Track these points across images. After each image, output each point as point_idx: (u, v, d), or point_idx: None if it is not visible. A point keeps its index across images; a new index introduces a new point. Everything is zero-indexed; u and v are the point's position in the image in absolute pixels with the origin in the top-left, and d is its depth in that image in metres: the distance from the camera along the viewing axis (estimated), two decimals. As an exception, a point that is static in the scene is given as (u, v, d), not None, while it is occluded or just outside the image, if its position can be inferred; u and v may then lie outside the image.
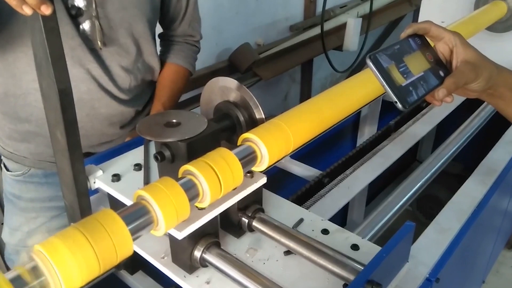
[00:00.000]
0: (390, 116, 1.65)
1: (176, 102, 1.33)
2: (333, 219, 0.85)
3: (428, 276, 0.87)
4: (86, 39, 1.06)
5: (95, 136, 1.18)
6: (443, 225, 1.03)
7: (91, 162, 0.86)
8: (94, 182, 0.82)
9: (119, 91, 1.16)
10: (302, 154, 1.46)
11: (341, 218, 1.84)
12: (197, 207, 0.64)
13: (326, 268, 0.67)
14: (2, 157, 1.23)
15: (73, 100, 0.69)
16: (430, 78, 0.73)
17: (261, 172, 0.76)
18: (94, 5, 1.03)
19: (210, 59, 2.50)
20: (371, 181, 1.26)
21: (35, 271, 0.45)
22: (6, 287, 0.44)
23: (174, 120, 0.75)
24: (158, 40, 1.35)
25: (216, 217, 0.69)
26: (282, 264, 0.72)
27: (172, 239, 0.69)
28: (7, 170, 1.22)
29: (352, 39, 2.98)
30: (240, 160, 0.65)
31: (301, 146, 0.84)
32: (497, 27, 1.74)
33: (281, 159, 1.14)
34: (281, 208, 0.84)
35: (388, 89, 0.67)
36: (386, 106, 1.84)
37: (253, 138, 0.70)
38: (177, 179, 0.59)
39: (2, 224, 1.43)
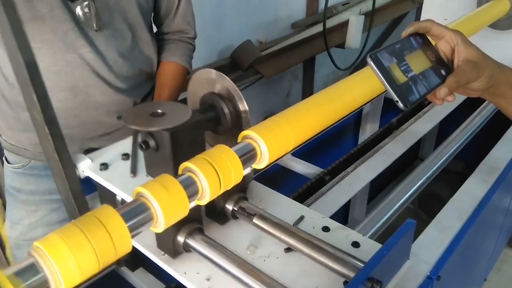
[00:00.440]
0: (392, 113, 1.65)
1: (176, 100, 1.33)
2: (334, 217, 0.85)
3: (429, 274, 0.87)
4: (79, 23, 1.06)
5: (92, 125, 1.17)
6: (444, 223, 1.03)
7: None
8: (83, 171, 0.85)
9: (116, 78, 1.16)
10: (304, 151, 1.46)
11: (342, 216, 1.84)
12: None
13: (326, 265, 0.67)
14: (4, 151, 1.24)
15: (40, 73, 0.71)
16: (432, 77, 0.72)
17: (261, 169, 0.76)
18: None
19: (211, 57, 2.50)
20: (372, 178, 1.26)
21: (34, 267, 0.46)
22: (4, 284, 0.44)
23: (159, 110, 0.77)
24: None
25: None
26: (282, 261, 0.72)
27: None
28: (8, 162, 1.23)
29: (354, 36, 2.97)
30: (240, 157, 0.65)
31: (302, 143, 0.84)
32: (500, 25, 1.73)
33: (282, 156, 1.14)
34: (282, 206, 0.84)
35: (389, 88, 0.66)
36: (388, 104, 1.83)
37: (252, 135, 0.69)
38: (177, 176, 0.59)
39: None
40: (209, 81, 0.85)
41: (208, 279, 0.69)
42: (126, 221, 0.52)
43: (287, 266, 0.71)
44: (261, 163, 0.72)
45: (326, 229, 0.78)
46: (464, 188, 1.16)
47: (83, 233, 0.47)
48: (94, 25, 1.07)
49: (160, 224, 0.56)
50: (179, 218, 0.58)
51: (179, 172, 0.62)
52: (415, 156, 2.46)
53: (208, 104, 0.85)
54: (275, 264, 0.71)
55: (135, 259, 0.95)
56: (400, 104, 0.67)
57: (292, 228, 0.74)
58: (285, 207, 0.84)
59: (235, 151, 0.65)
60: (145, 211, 0.54)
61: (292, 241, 0.71)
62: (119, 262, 0.98)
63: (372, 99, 1.07)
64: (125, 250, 0.51)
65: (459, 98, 1.64)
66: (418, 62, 0.72)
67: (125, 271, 0.99)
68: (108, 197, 0.87)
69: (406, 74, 0.69)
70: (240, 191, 0.80)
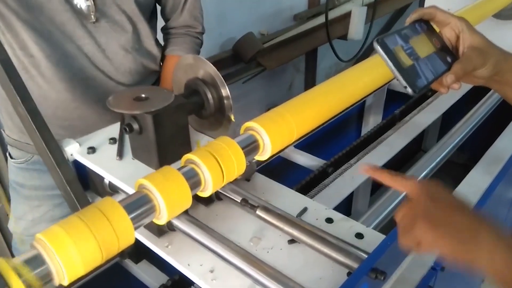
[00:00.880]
0: (395, 105, 1.64)
1: None
2: (337, 209, 0.85)
3: (433, 264, 0.87)
4: (77, 14, 1.06)
5: (92, 118, 1.17)
6: (448, 214, 1.02)
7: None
8: (72, 155, 0.89)
9: (117, 72, 1.15)
10: (306, 143, 1.46)
11: (345, 208, 1.83)
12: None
13: (330, 256, 0.67)
14: (8, 146, 1.24)
15: (15, 68, 0.75)
16: (438, 63, 0.72)
17: (264, 161, 0.76)
18: None
19: (213, 49, 2.49)
20: (375, 170, 1.25)
21: (37, 259, 0.45)
22: (9, 276, 0.44)
23: (143, 95, 0.80)
24: (160, 36, 1.33)
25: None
26: (286, 252, 0.72)
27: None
28: (12, 158, 1.23)
29: (357, 28, 2.95)
30: (242, 148, 0.65)
31: (305, 135, 0.84)
32: (504, 14, 1.71)
33: (285, 148, 1.13)
34: (285, 197, 0.84)
35: (398, 73, 0.66)
36: (391, 95, 1.82)
37: (255, 126, 0.69)
38: (179, 168, 0.59)
39: (8, 215, 1.44)
40: (192, 66, 0.88)
41: (211, 271, 0.69)
42: (129, 213, 0.52)
43: (291, 258, 0.70)
44: (264, 155, 0.71)
45: (329, 220, 0.77)
46: (468, 179, 1.15)
47: (86, 225, 0.47)
48: (92, 16, 1.06)
49: (163, 215, 0.56)
50: (182, 209, 0.58)
51: (182, 163, 0.62)
52: (418, 148, 2.45)
53: (191, 89, 0.87)
54: (278, 256, 0.71)
55: (139, 251, 0.95)
56: (409, 90, 0.66)
57: (296, 219, 0.74)
58: (288, 199, 0.84)
59: (238, 143, 0.65)
60: (147, 203, 0.54)
61: (296, 233, 0.71)
62: (122, 255, 0.98)
63: (375, 90, 1.06)
64: (128, 242, 0.51)
65: (463, 89, 1.63)
66: (423, 47, 0.72)
67: (129, 264, 0.99)
68: (97, 181, 0.90)
69: (412, 58, 0.69)
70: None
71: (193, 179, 0.59)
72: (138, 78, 1.22)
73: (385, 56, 0.66)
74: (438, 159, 1.36)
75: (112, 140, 0.91)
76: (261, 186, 0.87)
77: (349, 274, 0.66)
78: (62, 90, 1.10)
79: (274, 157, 1.29)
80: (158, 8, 1.29)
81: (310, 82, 3.26)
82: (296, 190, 0.89)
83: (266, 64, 2.56)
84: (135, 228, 0.52)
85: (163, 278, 0.94)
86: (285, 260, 0.70)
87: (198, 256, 0.71)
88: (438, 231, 0.53)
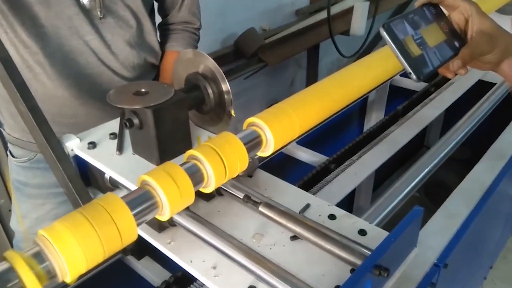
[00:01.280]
0: (398, 101, 1.63)
1: None
2: (340, 205, 0.85)
3: (436, 261, 0.87)
4: (84, 9, 1.06)
5: (98, 114, 1.17)
6: (451, 210, 1.02)
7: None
8: (72, 150, 0.89)
9: (122, 67, 1.16)
10: (309, 140, 1.45)
11: (348, 204, 1.83)
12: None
13: (333, 253, 0.67)
14: (9, 144, 1.24)
15: (15, 66, 0.76)
16: (445, 49, 0.71)
17: (267, 158, 0.75)
18: None
19: (215, 45, 2.48)
20: (378, 167, 1.25)
21: (39, 256, 0.45)
22: (21, 268, 0.43)
23: (143, 90, 0.80)
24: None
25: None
26: (288, 249, 0.71)
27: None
28: (13, 156, 1.22)
29: (359, 23, 2.94)
30: (245, 144, 0.64)
31: (308, 131, 0.83)
32: (507, 9, 1.70)
33: (288, 144, 1.13)
34: (288, 194, 0.84)
35: (402, 59, 0.65)
36: (394, 91, 1.82)
37: (258, 122, 0.69)
38: (182, 164, 0.59)
39: (10, 210, 1.44)
40: (192, 61, 0.87)
41: (214, 267, 0.69)
42: (132, 209, 0.52)
43: (294, 254, 0.70)
44: (266, 151, 0.71)
45: (332, 217, 0.77)
46: (471, 175, 1.15)
47: (88, 221, 0.47)
48: (99, 12, 1.06)
49: (166, 212, 0.55)
50: (185, 206, 0.58)
51: (184, 159, 0.61)
52: (421, 144, 2.44)
53: (191, 84, 0.87)
54: (281, 252, 0.71)
55: (141, 248, 0.95)
56: (414, 76, 0.66)
57: (298, 216, 0.73)
58: (290, 195, 0.83)
59: (241, 139, 0.65)
60: (150, 199, 0.54)
61: (298, 229, 0.71)
62: (125, 251, 0.98)
63: (378, 85, 1.06)
64: (130, 238, 0.51)
65: (466, 84, 1.62)
66: (433, 35, 0.71)
67: (131, 260, 0.99)
68: (98, 176, 0.90)
69: (421, 47, 0.68)
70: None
71: (195, 175, 0.58)
72: (141, 72, 1.22)
73: (392, 43, 0.65)
74: (441, 155, 1.35)
75: (113, 135, 0.91)
76: (264, 182, 0.86)
77: (352, 271, 0.66)
78: (68, 86, 1.10)
79: (276, 154, 1.28)
80: (155, 4, 1.29)
81: (312, 78, 3.25)
82: (298, 187, 0.89)
83: (267, 60, 2.55)
84: (138, 225, 0.52)
85: (166, 275, 0.94)
86: (288, 256, 0.70)
87: (200, 253, 0.71)
88: None
